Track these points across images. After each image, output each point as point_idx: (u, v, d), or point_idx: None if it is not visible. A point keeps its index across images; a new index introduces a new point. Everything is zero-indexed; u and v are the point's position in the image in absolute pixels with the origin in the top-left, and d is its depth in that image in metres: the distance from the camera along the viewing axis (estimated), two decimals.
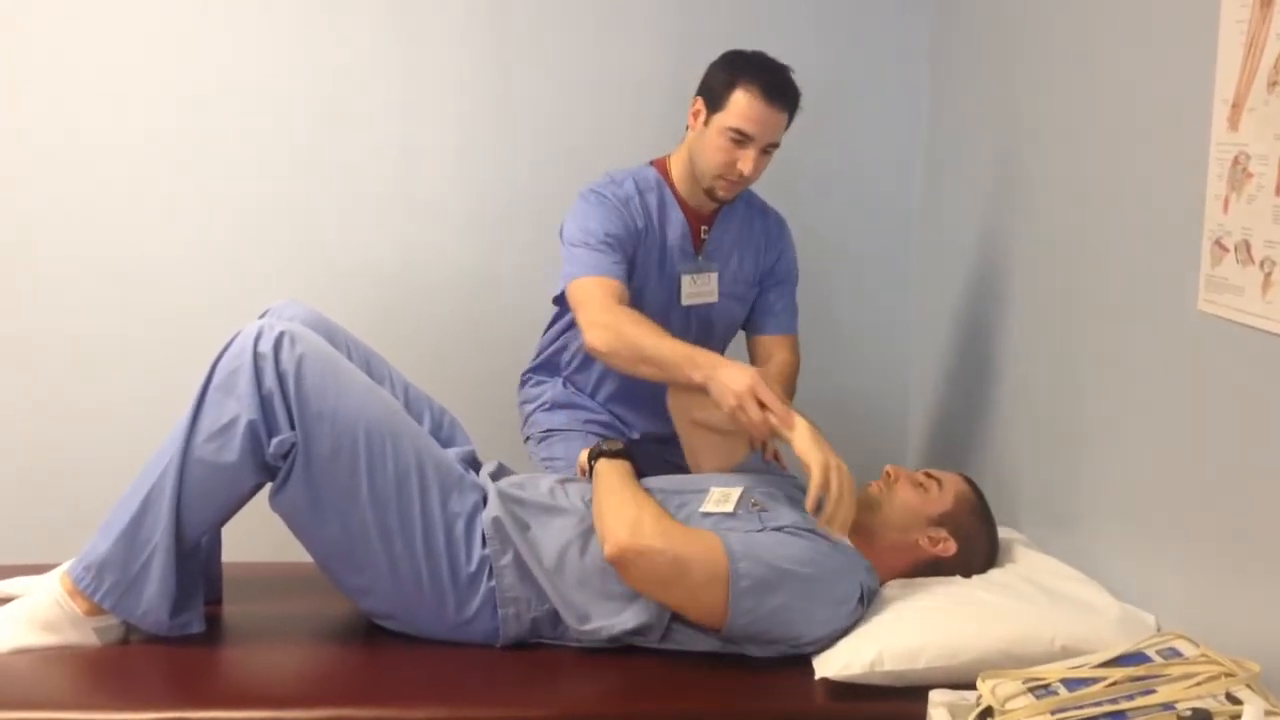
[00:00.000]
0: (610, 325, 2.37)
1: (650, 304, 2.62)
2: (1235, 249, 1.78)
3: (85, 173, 3.04)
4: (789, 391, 2.63)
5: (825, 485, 2.08)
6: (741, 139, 2.49)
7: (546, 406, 2.77)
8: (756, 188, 2.68)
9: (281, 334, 2.07)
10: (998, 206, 2.73)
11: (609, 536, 2.03)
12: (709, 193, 2.60)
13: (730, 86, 2.49)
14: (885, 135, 3.25)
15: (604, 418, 2.73)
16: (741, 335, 2.82)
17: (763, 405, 2.16)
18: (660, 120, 2.93)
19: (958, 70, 3.04)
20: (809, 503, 2.09)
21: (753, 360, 2.76)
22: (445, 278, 3.17)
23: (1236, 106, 1.77)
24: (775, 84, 2.49)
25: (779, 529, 2.09)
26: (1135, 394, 2.10)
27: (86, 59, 3.01)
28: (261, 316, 2.26)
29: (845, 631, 2.05)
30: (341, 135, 3.11)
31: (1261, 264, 1.72)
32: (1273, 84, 1.70)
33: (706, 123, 2.53)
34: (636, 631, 2.08)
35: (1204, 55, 1.85)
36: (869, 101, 3.24)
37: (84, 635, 2.09)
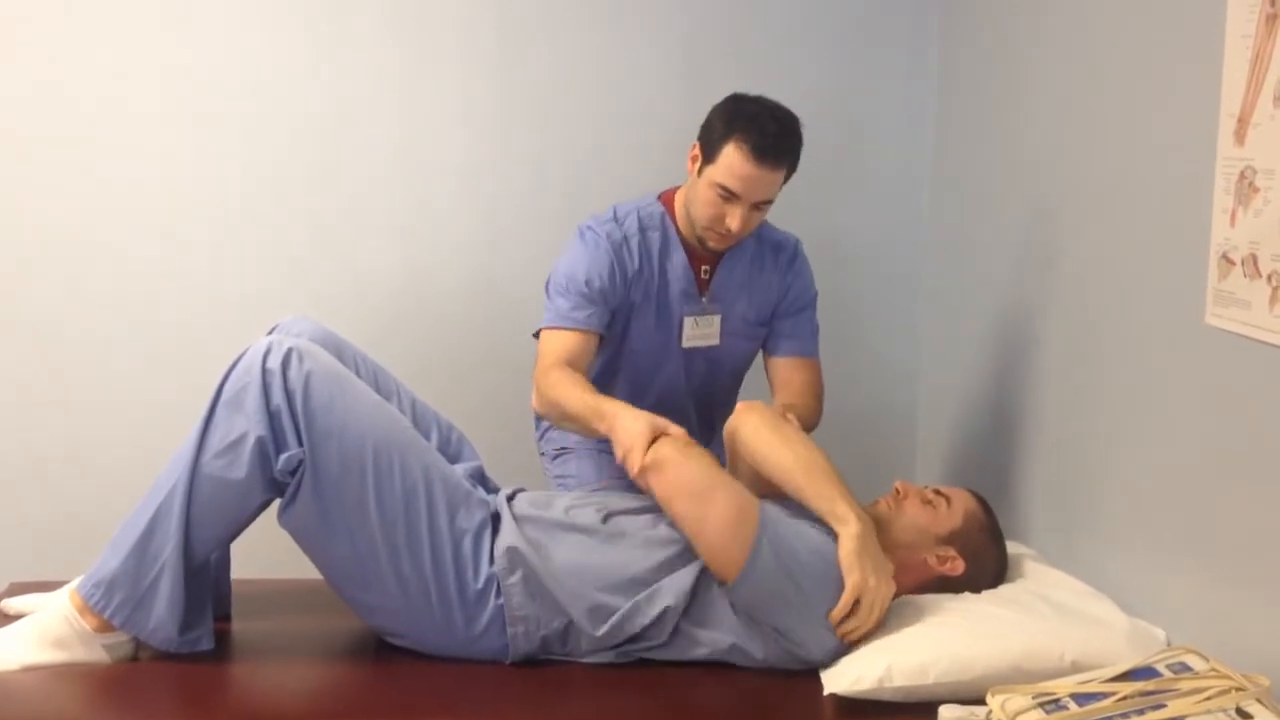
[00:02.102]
0: (540, 389, 2.48)
1: (649, 345, 2.61)
2: (1242, 263, 1.78)
3: (92, 186, 3.04)
4: (808, 415, 2.54)
5: (851, 605, 2.04)
6: (729, 195, 2.44)
7: None
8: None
9: (290, 350, 2.08)
10: (1005, 221, 2.73)
11: (660, 444, 2.16)
12: (700, 242, 2.57)
13: (724, 139, 2.42)
14: (893, 149, 3.25)
15: None
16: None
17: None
18: (664, 138, 2.94)
19: (966, 85, 3.05)
20: (834, 615, 2.05)
21: (770, 383, 2.69)
22: (452, 291, 3.18)
23: (1242, 121, 1.78)
24: (769, 142, 2.40)
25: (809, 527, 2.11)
26: (1143, 407, 2.10)
27: (91, 73, 3.02)
28: (270, 333, 2.26)
29: (831, 651, 2.06)
30: (348, 149, 3.11)
31: (1269, 278, 1.72)
32: (1278, 99, 1.70)
33: (700, 172, 2.48)
34: (653, 624, 2.09)
35: (1210, 71, 1.85)
36: (878, 115, 3.24)
37: (93, 652, 2.09)
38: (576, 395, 2.39)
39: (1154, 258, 2.07)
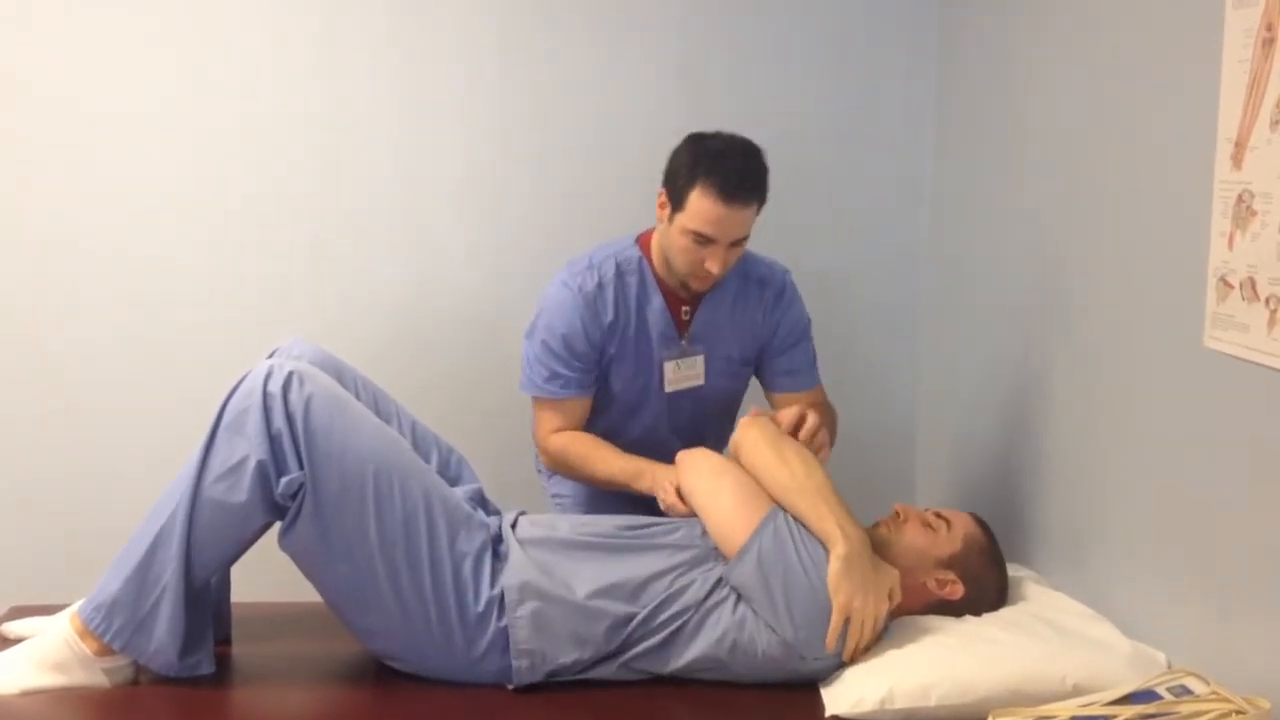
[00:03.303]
0: (552, 455, 2.62)
1: (629, 390, 2.62)
2: (1240, 286, 1.79)
3: (92, 202, 3.05)
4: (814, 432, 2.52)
5: (840, 628, 2.06)
6: (704, 240, 2.42)
7: None
8: (755, 243, 2.58)
9: (291, 374, 2.08)
10: (1004, 242, 2.73)
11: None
12: (683, 285, 2.55)
13: (689, 185, 2.39)
14: (891, 170, 3.26)
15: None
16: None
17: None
18: (665, 154, 2.94)
19: (963, 106, 3.06)
20: (828, 640, 2.07)
21: None
22: (452, 313, 3.18)
23: (1239, 145, 1.78)
24: (735, 181, 2.38)
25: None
26: (1142, 430, 2.11)
27: (96, 91, 3.03)
28: (269, 356, 2.27)
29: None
30: (349, 169, 3.12)
31: (1267, 301, 1.73)
32: (1275, 123, 1.71)
33: (671, 220, 2.46)
34: (663, 624, 2.11)
35: (1207, 94, 1.86)
36: (876, 135, 3.24)
37: (93, 676, 2.09)
38: (604, 460, 2.54)
39: (1152, 281, 2.07)
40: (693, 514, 2.28)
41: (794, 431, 2.30)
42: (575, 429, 2.61)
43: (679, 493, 2.33)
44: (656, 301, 2.58)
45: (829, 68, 3.21)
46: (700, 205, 2.39)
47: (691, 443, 2.62)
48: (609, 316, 2.56)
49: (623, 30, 3.16)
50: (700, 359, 2.62)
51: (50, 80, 3.01)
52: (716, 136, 2.46)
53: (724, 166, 2.39)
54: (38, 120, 3.02)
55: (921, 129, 3.23)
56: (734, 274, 2.58)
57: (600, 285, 2.56)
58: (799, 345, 2.67)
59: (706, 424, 2.72)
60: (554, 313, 2.57)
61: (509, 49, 3.14)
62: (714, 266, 2.43)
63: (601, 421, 2.65)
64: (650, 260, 2.60)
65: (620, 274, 2.58)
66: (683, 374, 2.62)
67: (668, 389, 2.62)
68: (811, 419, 2.32)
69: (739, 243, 2.46)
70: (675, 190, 2.44)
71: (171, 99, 3.05)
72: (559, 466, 2.63)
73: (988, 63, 2.88)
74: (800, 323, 2.68)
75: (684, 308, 2.60)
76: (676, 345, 2.61)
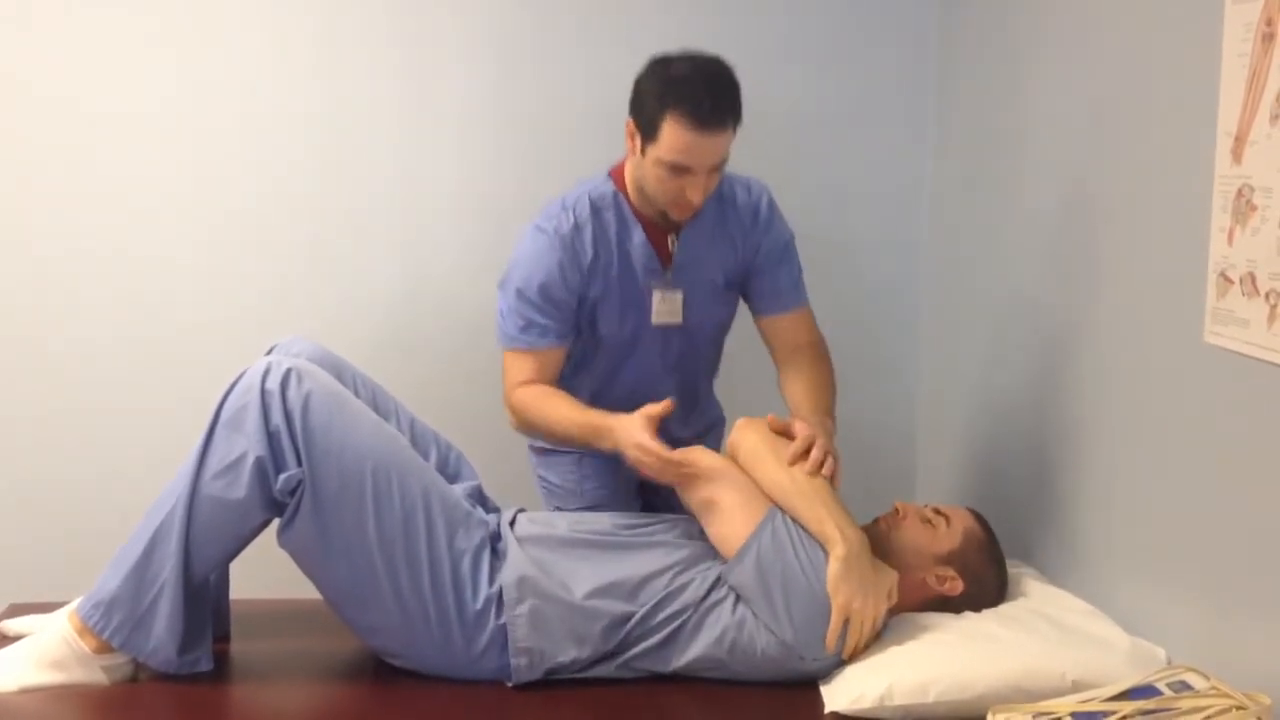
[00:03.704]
0: (515, 410, 2.47)
1: (620, 330, 2.51)
2: (1240, 281, 1.78)
3: (92, 202, 3.05)
4: (816, 371, 2.50)
5: (840, 629, 2.06)
6: (681, 170, 2.30)
7: None
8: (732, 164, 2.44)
9: (289, 371, 2.08)
10: (1003, 238, 2.73)
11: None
12: (663, 217, 2.44)
13: (660, 114, 2.28)
14: (891, 170, 3.25)
15: None
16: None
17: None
18: None
19: (963, 104, 3.06)
20: (828, 641, 2.07)
21: (766, 342, 2.60)
22: (450, 310, 3.17)
23: (1239, 140, 1.78)
24: (706, 106, 2.25)
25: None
26: (1143, 426, 2.10)
27: (96, 91, 3.02)
28: (268, 353, 2.27)
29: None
30: (348, 168, 3.12)
31: (1267, 296, 1.72)
32: (1275, 117, 1.71)
33: (643, 151, 2.34)
34: (662, 623, 2.11)
35: (1207, 89, 1.86)
36: (876, 130, 3.24)
37: (92, 673, 2.08)
38: (563, 414, 2.39)
39: (1152, 276, 2.07)
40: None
41: (801, 453, 2.21)
42: (547, 383, 2.47)
43: (679, 489, 2.27)
44: (637, 236, 2.48)
45: (829, 67, 3.21)
46: (673, 136, 2.27)
47: (686, 381, 2.59)
48: (589, 256, 2.44)
49: (622, 31, 3.16)
50: (679, 295, 2.51)
51: (50, 80, 3.01)
52: (681, 59, 2.34)
53: (694, 92, 2.26)
54: (38, 120, 3.02)
55: (922, 127, 3.23)
56: (711, 197, 2.43)
57: (577, 226, 2.44)
58: (782, 264, 2.56)
59: (699, 360, 2.64)
60: (530, 260, 2.44)
61: (508, 49, 3.13)
62: (694, 196, 2.33)
63: (594, 370, 2.56)
64: (626, 194, 2.48)
65: (596, 211, 2.46)
66: (666, 308, 2.50)
67: (654, 321, 2.50)
68: (817, 449, 2.20)
69: (718, 167, 2.35)
70: (644, 120, 2.32)
71: (171, 99, 3.05)
72: (523, 424, 2.48)
73: (988, 61, 2.88)
74: (782, 240, 2.57)
75: (668, 238, 2.49)
76: (661, 277, 2.49)
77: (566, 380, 2.54)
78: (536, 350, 2.46)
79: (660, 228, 2.49)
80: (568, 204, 2.48)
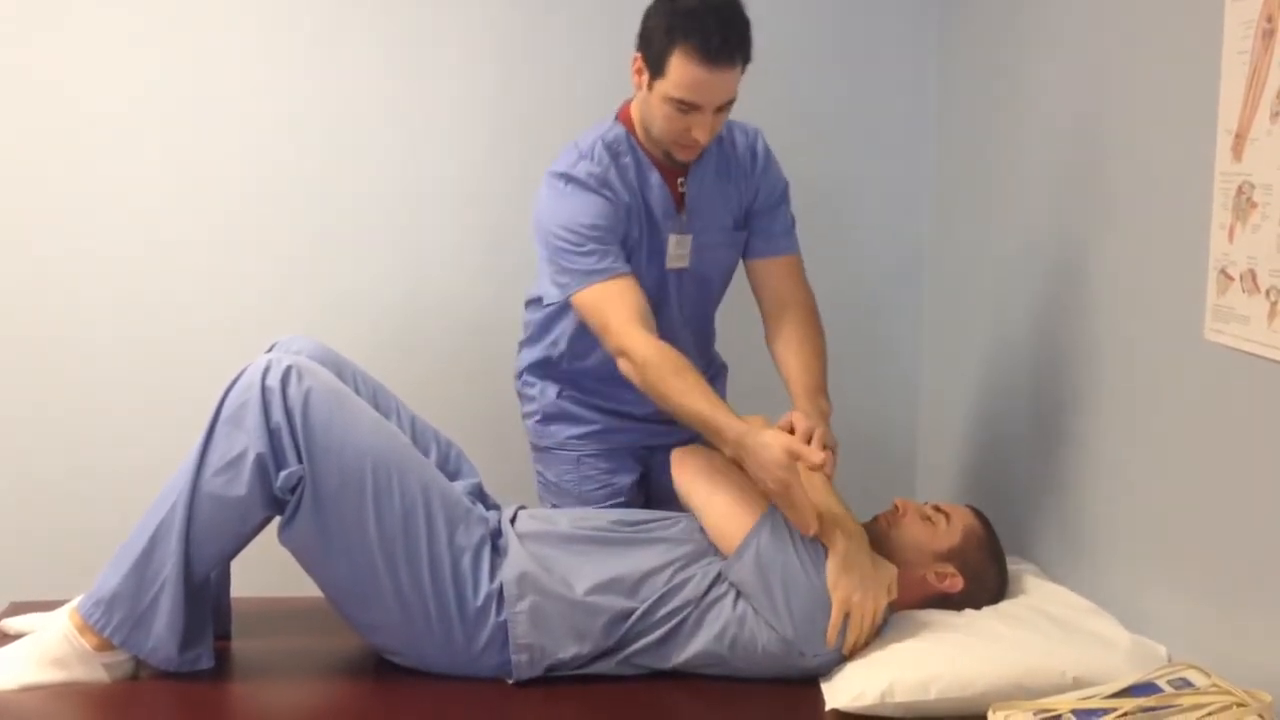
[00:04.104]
0: (641, 365, 2.23)
1: (649, 275, 2.41)
2: (1241, 278, 1.79)
3: (92, 202, 3.05)
4: (806, 325, 2.43)
5: (840, 624, 2.07)
6: (689, 107, 2.24)
7: (539, 418, 2.62)
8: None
9: (289, 368, 2.08)
10: (1005, 238, 2.74)
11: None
12: (667, 156, 2.38)
13: (668, 48, 2.21)
14: (892, 169, 3.25)
15: (598, 426, 2.58)
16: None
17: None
18: None
19: (963, 103, 3.06)
20: (829, 635, 2.07)
21: (753, 287, 2.52)
22: (451, 307, 3.18)
23: (1240, 137, 1.78)
24: (718, 41, 2.18)
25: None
26: (1144, 423, 2.11)
27: (96, 91, 3.02)
28: (268, 350, 2.27)
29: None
30: (346, 165, 3.12)
31: (1267, 293, 1.73)
32: (1275, 115, 1.71)
33: (650, 86, 2.28)
34: (663, 619, 2.11)
35: (1207, 86, 1.86)
36: (878, 128, 3.24)
37: (93, 671, 2.08)
38: (686, 394, 2.19)
39: (1153, 273, 2.07)
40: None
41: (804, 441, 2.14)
42: (648, 319, 2.28)
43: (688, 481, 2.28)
44: (654, 178, 2.41)
45: (829, 68, 3.21)
46: (682, 71, 2.21)
47: (699, 334, 2.54)
48: (624, 199, 2.36)
49: (622, 31, 3.14)
50: (689, 240, 2.44)
51: (50, 80, 3.01)
52: None
53: (704, 26, 2.19)
54: (38, 120, 3.02)
55: (922, 127, 3.23)
56: (711, 140, 2.37)
57: (603, 169, 2.36)
58: (778, 208, 2.51)
59: (708, 307, 2.59)
60: (570, 204, 2.33)
61: (507, 50, 3.13)
62: (701, 135, 2.27)
63: None
64: (636, 136, 2.42)
65: (615, 155, 2.39)
66: (679, 251, 2.44)
67: (668, 265, 2.43)
68: (816, 442, 2.12)
69: (725, 107, 2.28)
70: (652, 55, 2.25)
71: (171, 99, 3.05)
72: (643, 383, 2.24)
73: (987, 56, 2.89)
74: (779, 184, 2.52)
75: (679, 179, 2.43)
76: (677, 219, 2.42)
77: (586, 340, 2.44)
78: (621, 275, 2.30)
79: (671, 170, 2.43)
80: (584, 151, 2.39)
